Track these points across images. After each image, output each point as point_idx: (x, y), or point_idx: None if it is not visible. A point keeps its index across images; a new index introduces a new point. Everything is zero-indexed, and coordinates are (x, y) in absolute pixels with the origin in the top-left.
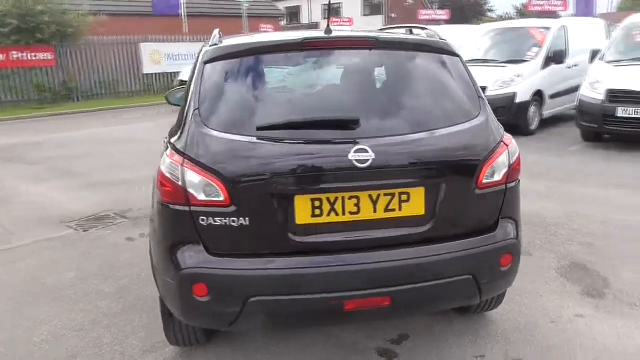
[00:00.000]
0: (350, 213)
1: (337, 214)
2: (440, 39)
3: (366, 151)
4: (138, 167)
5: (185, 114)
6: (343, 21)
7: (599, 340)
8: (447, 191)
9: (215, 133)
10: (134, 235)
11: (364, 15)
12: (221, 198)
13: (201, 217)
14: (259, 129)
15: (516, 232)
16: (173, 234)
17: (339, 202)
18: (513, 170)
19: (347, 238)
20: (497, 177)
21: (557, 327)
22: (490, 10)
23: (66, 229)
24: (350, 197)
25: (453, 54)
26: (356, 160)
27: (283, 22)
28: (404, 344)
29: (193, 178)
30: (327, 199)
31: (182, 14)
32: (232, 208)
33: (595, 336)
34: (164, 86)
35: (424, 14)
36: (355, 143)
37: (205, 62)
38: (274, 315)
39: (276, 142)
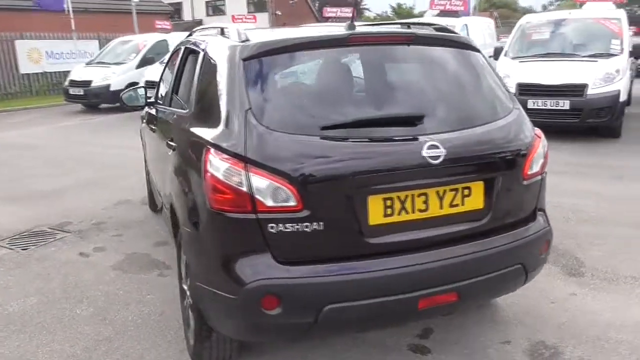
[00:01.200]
0: (420, 211)
1: (407, 213)
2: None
3: (438, 147)
4: (56, 176)
5: (227, 114)
6: (247, 18)
7: (599, 315)
8: (502, 184)
9: (277, 134)
10: (86, 250)
11: (249, 12)
12: (293, 203)
13: (270, 225)
14: (323, 128)
15: (547, 219)
16: (233, 245)
17: (409, 200)
18: (546, 160)
19: (417, 237)
20: (536, 168)
21: (560, 307)
22: (367, 10)
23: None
24: (419, 195)
25: (477, 50)
26: (430, 156)
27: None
28: (432, 337)
29: (260, 183)
30: (398, 197)
31: (69, 9)
32: (305, 213)
33: (594, 312)
34: (46, 87)
35: (330, 11)
36: (426, 139)
37: (245, 60)
38: (348, 321)
39: (345, 141)
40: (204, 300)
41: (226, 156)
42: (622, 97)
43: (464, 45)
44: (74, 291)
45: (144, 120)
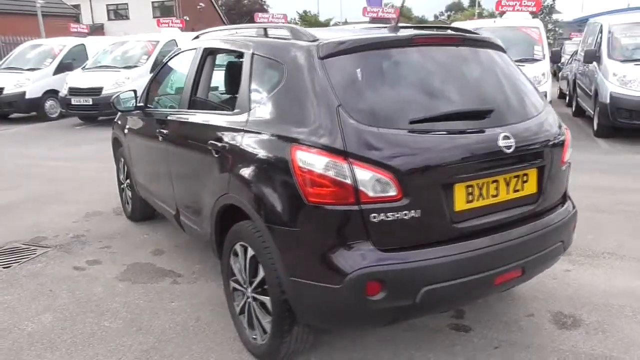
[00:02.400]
0: (492, 196)
1: (483, 198)
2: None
3: (509, 138)
4: (2, 189)
5: (316, 112)
6: (174, 22)
7: (596, 286)
8: (549, 170)
9: (371, 128)
10: (80, 264)
11: (155, 17)
12: (394, 193)
13: (373, 215)
14: (412, 122)
15: (572, 202)
16: (335, 236)
17: (485, 187)
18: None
19: (491, 220)
20: (568, 155)
21: (562, 282)
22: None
23: None
24: (493, 182)
25: (505, 51)
26: (504, 146)
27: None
28: (466, 317)
29: (364, 175)
30: (477, 184)
31: None
32: (404, 201)
33: (591, 284)
34: None
35: (262, 17)
36: (499, 131)
37: (322, 58)
38: (441, 300)
39: (432, 134)
40: (301, 293)
41: (324, 151)
42: (548, 98)
43: (499, 47)
44: (89, 305)
45: (125, 129)
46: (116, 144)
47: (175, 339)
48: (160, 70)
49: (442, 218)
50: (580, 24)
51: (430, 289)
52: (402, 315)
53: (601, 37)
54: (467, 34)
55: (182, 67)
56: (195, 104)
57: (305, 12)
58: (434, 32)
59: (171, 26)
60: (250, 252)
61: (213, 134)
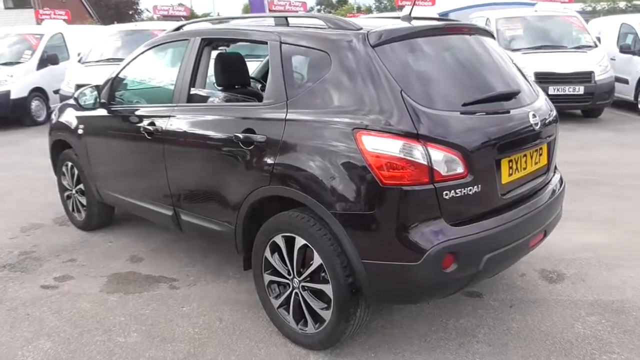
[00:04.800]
0: (523, 169)
1: (518, 171)
2: None
3: (535, 116)
4: None
5: (379, 98)
6: (57, 13)
7: (563, 246)
8: (553, 144)
9: (434, 111)
10: (47, 282)
11: (7, 8)
12: (462, 170)
13: (445, 192)
14: (464, 104)
15: None
16: (411, 216)
17: (520, 160)
18: None
19: (522, 190)
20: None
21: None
22: (145, 11)
23: None
24: (523, 156)
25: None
26: (534, 123)
27: None
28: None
29: (437, 156)
30: (515, 159)
31: None
32: (469, 178)
33: (558, 244)
34: None
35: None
36: (527, 110)
37: (374, 46)
38: (495, 265)
39: (484, 114)
40: (377, 275)
41: (397, 135)
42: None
43: (493, 35)
44: (87, 323)
45: (78, 129)
46: (58, 147)
47: (210, 342)
48: (128, 65)
49: (494, 191)
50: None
51: (490, 256)
52: (467, 283)
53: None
54: (480, 26)
55: (167, 60)
56: (194, 98)
57: (180, 5)
58: (456, 22)
59: (53, 18)
60: (300, 241)
61: (238, 127)
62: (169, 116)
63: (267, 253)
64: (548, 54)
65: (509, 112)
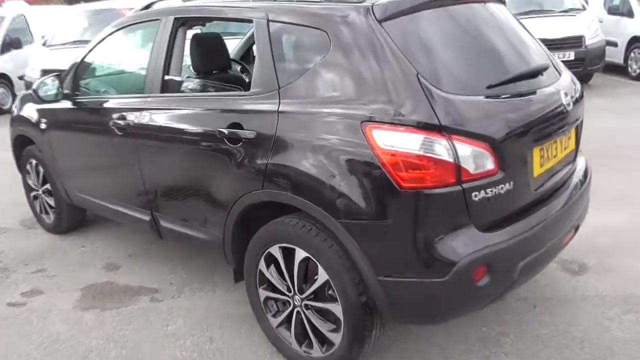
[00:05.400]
0: (553, 157)
1: (548, 160)
2: None
3: (567, 94)
4: None
5: (391, 83)
6: None
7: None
8: (580, 126)
9: (456, 96)
10: (14, 299)
11: None
12: (492, 166)
13: (474, 193)
14: (489, 87)
15: None
16: (436, 223)
17: (550, 147)
18: None
19: (553, 182)
20: None
21: None
22: None
23: None
24: (554, 142)
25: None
26: (566, 104)
27: None
28: None
29: (465, 150)
30: (546, 146)
31: None
32: (500, 175)
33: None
34: None
35: None
36: (558, 88)
37: (381, 21)
38: (529, 272)
39: (512, 97)
40: (397, 293)
41: (416, 128)
42: None
43: (504, 1)
44: (61, 349)
45: (40, 123)
46: (20, 143)
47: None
48: (93, 50)
49: (527, 186)
50: None
51: (525, 262)
52: (499, 295)
53: None
54: None
55: (136, 44)
56: (169, 86)
57: None
58: None
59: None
60: (301, 254)
61: (222, 121)
62: (141, 108)
63: (262, 266)
64: (536, 19)
65: (537, 92)
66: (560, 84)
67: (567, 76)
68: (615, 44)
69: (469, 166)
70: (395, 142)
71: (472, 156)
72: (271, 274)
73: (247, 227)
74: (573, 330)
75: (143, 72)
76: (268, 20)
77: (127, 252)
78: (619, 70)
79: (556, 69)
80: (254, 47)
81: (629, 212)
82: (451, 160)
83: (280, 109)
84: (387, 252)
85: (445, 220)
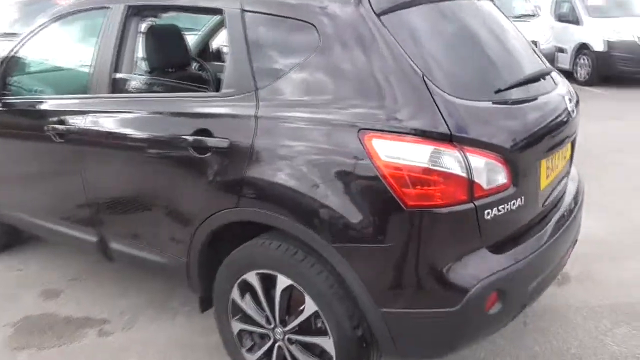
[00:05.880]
0: (555, 167)
1: (552, 171)
2: None
3: (570, 100)
4: None
5: (394, 85)
6: None
7: None
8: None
9: (465, 102)
10: None
11: None
12: (504, 180)
13: (487, 211)
14: (497, 91)
15: None
16: (445, 246)
17: (555, 157)
18: None
19: (555, 194)
20: None
21: None
22: None
23: None
24: (557, 151)
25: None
26: (571, 110)
27: None
28: None
29: (478, 163)
30: (552, 157)
31: None
32: (511, 189)
33: None
34: None
35: None
36: (561, 93)
37: (379, 15)
38: (537, 294)
39: (520, 103)
40: (400, 326)
41: (423, 138)
42: None
43: None
44: None
45: None
46: None
47: None
48: (26, 42)
49: (536, 201)
50: None
51: (535, 284)
52: (508, 321)
53: None
54: None
55: (79, 36)
56: (119, 85)
57: None
58: None
59: None
60: (284, 281)
61: (187, 127)
62: (86, 111)
63: (235, 294)
64: None
65: (542, 97)
66: (562, 89)
67: (564, 81)
68: (563, 50)
69: (482, 181)
70: (400, 153)
71: (485, 169)
72: (246, 304)
73: (216, 250)
74: (570, 348)
75: (87, 69)
76: (243, 11)
77: (68, 275)
78: (567, 75)
79: (553, 70)
80: (213, 43)
81: (604, 219)
82: (463, 174)
83: (259, 113)
84: (389, 280)
85: (455, 243)
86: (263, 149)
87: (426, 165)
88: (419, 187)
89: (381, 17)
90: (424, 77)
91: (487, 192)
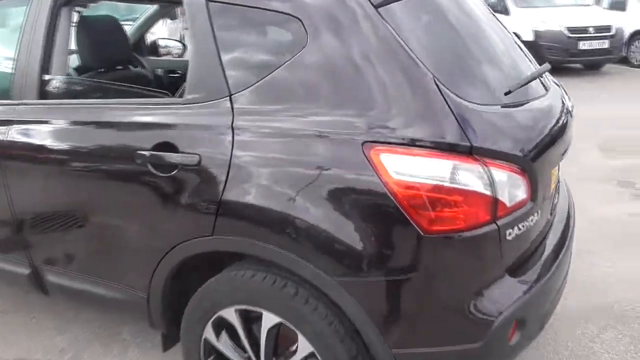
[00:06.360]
0: (554, 175)
1: (555, 177)
2: None
3: (569, 99)
4: None
5: (401, 87)
6: None
7: None
8: None
9: (482, 107)
10: None
11: None
12: (523, 195)
13: (508, 231)
14: (507, 93)
15: None
16: (468, 276)
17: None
18: None
19: (556, 201)
20: None
21: None
22: None
23: None
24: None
25: None
26: (570, 109)
27: None
28: None
29: (501, 177)
30: (557, 165)
31: None
32: (529, 204)
33: None
34: None
35: None
36: (561, 92)
37: (378, 6)
38: (550, 315)
39: (526, 106)
40: None
41: (440, 151)
42: None
43: None
44: None
45: None
46: None
47: None
48: None
49: (547, 212)
50: None
51: (550, 306)
52: (524, 349)
53: None
54: None
55: None
56: (50, 89)
57: None
58: None
59: None
60: (271, 319)
61: (144, 141)
62: (9, 120)
63: (209, 333)
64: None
65: (544, 98)
66: (556, 87)
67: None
68: None
69: (505, 197)
70: (413, 169)
71: (508, 184)
72: (223, 344)
73: (181, 280)
74: (562, 358)
75: (9, 71)
76: (208, 0)
77: None
78: None
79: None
80: (148, 35)
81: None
82: (487, 192)
83: (236, 123)
84: (403, 317)
85: (478, 270)
86: (244, 165)
87: (446, 183)
88: (438, 208)
89: (379, 10)
90: (435, 79)
91: (510, 210)
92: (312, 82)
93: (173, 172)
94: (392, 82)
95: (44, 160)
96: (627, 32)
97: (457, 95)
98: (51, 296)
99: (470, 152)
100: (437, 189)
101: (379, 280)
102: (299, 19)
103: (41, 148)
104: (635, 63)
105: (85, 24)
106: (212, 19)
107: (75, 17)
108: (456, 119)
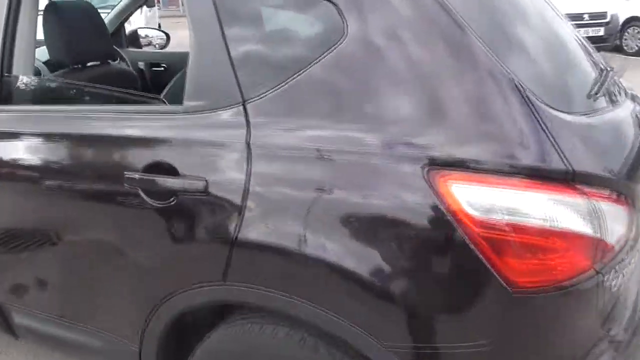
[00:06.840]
0: None
1: None
2: None
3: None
4: None
5: (469, 96)
6: None
7: None
8: None
9: (573, 118)
10: None
11: None
12: (624, 229)
13: (607, 277)
14: (589, 96)
15: None
16: (571, 341)
17: None
18: None
19: None
20: None
21: None
22: None
23: None
24: None
25: None
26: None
27: None
28: None
29: (607, 212)
30: None
31: None
32: (632, 240)
33: None
34: None
35: None
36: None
37: None
38: None
39: (610, 114)
40: None
41: (527, 179)
42: None
43: None
44: None
45: None
46: None
47: None
48: None
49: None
50: None
51: None
52: None
53: None
54: None
55: None
56: (13, 92)
57: None
58: None
59: None
60: None
61: (133, 159)
62: None
63: None
64: None
65: (622, 104)
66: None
67: None
68: None
69: (608, 236)
70: (495, 204)
71: (611, 220)
72: None
73: (179, 333)
74: None
75: None
76: None
77: None
78: None
79: None
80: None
81: None
82: (594, 233)
83: (253, 138)
84: None
85: (582, 333)
86: (266, 194)
87: (542, 224)
88: (530, 256)
89: None
90: (519, 86)
91: (612, 250)
92: (353, 86)
93: (169, 201)
94: (462, 87)
95: (7, 177)
96: (621, 19)
97: (545, 104)
98: (22, 340)
99: (572, 179)
100: (529, 230)
101: (446, 349)
102: (334, 3)
103: (5, 165)
104: (629, 51)
105: (54, 9)
106: (218, 2)
107: (42, 2)
108: (548, 135)
